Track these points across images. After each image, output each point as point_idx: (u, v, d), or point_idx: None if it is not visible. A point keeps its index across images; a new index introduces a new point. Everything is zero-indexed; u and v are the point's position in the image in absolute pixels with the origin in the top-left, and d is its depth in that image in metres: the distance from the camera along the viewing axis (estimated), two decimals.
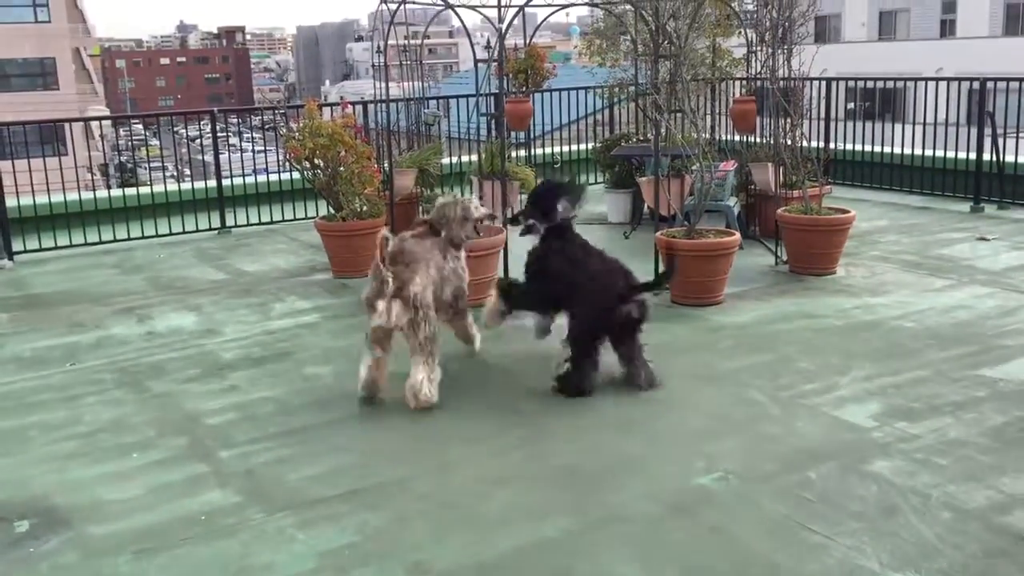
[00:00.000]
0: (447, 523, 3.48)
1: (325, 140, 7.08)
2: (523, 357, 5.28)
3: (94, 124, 25.25)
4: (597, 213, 9.41)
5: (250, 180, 9.68)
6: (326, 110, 9.15)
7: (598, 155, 9.37)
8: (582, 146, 11.26)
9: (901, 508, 3.37)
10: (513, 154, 8.89)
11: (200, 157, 15.94)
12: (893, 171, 10.05)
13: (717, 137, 8.45)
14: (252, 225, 9.26)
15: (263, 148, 14.55)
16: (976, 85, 9.14)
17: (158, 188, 9.72)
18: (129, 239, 8.74)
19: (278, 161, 9.68)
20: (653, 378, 4.72)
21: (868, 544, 3.14)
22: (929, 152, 9.81)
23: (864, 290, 6.39)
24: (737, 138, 8.39)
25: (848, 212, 6.91)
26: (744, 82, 8.53)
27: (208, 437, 4.37)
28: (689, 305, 6.08)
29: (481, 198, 6.57)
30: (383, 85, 7.67)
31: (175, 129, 18.27)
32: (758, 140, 8.07)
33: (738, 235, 6.20)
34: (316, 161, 7.26)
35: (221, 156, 9.42)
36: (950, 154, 9.60)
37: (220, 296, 6.86)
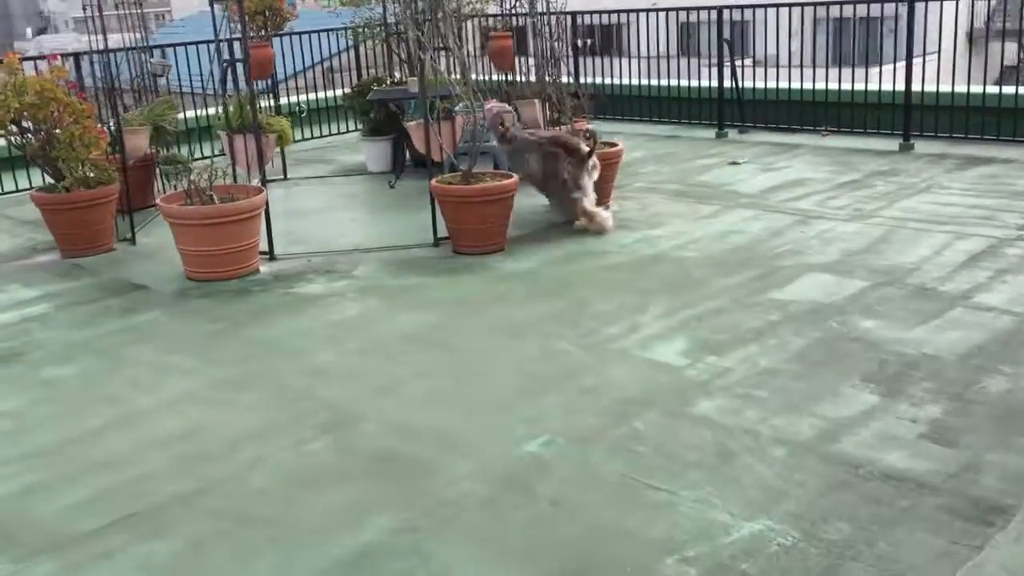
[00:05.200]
0: (252, 542, 2.95)
1: (33, 99, 6.02)
2: (303, 330, 4.75)
3: None
4: (355, 163, 8.87)
5: None
6: (30, 65, 7.92)
7: (351, 101, 8.77)
8: (329, 93, 10.59)
9: (736, 450, 3.26)
10: (261, 104, 8.12)
11: None
12: (636, 102, 10.23)
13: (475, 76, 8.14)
14: None
15: None
16: (714, 15, 9.42)
17: None
18: None
19: None
20: None
21: (714, 494, 2.99)
22: (675, 82, 10.08)
23: (640, 223, 6.37)
24: (495, 77, 8.13)
25: (616, 145, 6.86)
26: (500, 18, 8.25)
27: None
28: (472, 254, 5.78)
29: (233, 156, 5.86)
30: (96, 36, 6.68)
31: None
32: (520, 78, 7.85)
33: (516, 178, 5.94)
34: (24, 124, 6.19)
35: None
36: (695, 83, 9.91)
37: None
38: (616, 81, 10.43)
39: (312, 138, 10.17)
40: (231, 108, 5.82)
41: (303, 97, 10.48)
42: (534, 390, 3.90)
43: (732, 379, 3.84)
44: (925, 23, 8.10)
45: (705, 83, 9.82)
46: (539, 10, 7.05)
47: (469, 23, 8.67)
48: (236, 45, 6.92)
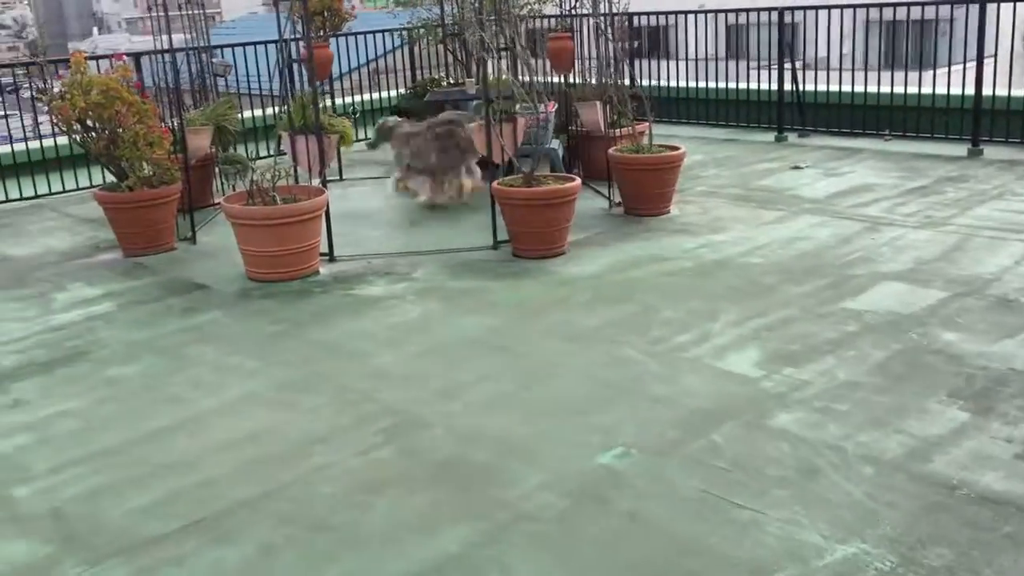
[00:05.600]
0: (323, 550, 2.90)
1: (99, 97, 6.06)
2: (364, 332, 4.70)
3: None
4: None
5: (4, 149, 8.32)
6: (94, 64, 8.00)
7: (407, 102, 8.74)
8: (384, 94, 10.58)
9: (821, 467, 3.13)
10: (325, 104, 8.13)
11: None
12: (692, 105, 10.08)
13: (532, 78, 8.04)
14: (11, 201, 7.97)
15: (16, 112, 12.68)
16: (775, 16, 9.24)
17: None
18: None
19: (36, 125, 8.36)
20: None
21: (802, 514, 2.87)
22: (732, 85, 9.91)
23: (703, 228, 6.24)
24: (554, 78, 8.03)
25: (679, 148, 6.73)
26: (558, 18, 8.15)
27: None
28: (532, 258, 5.69)
29: (295, 157, 5.84)
30: (157, 36, 6.73)
31: None
32: (577, 79, 7.76)
33: (579, 180, 5.84)
34: (90, 123, 6.23)
35: None
36: (753, 86, 9.73)
37: None
38: (669, 83, 10.29)
39: (366, 139, 10.15)
40: (293, 108, 5.79)
41: (357, 98, 10.48)
42: (603, 398, 3.80)
43: (810, 392, 3.71)
44: (997, 25, 7.87)
45: (763, 86, 9.63)
46: (602, 11, 6.93)
47: (526, 25, 8.60)
48: (295, 46, 6.92)
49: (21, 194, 8.02)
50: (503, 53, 5.93)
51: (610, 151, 6.66)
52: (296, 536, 2.98)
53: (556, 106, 7.55)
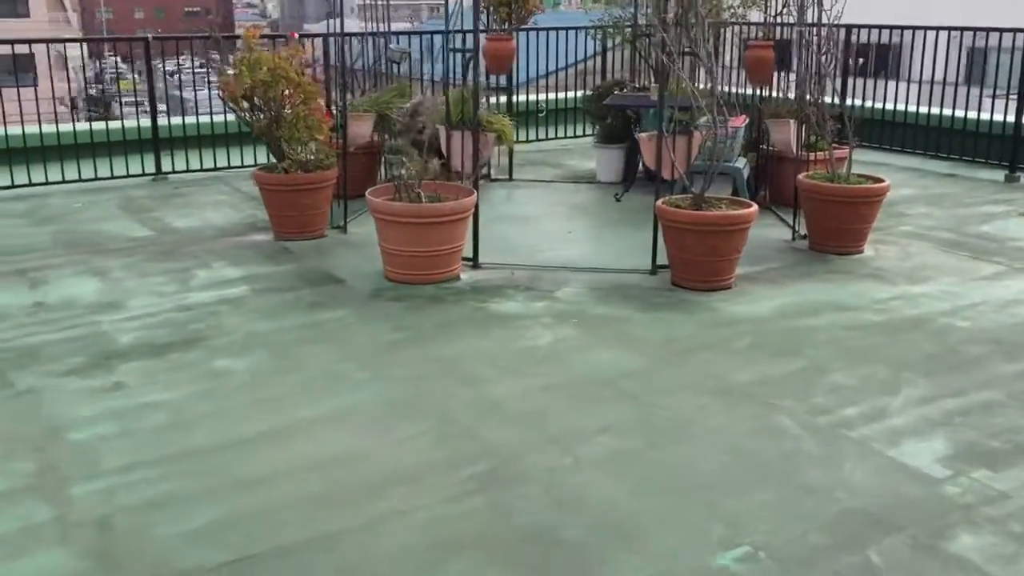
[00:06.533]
0: None
1: (266, 76, 5.93)
2: (486, 353, 4.23)
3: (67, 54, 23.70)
4: (585, 170, 8.34)
5: (190, 120, 8.51)
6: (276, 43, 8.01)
7: (589, 104, 8.24)
8: (569, 94, 10.12)
9: None
10: (491, 100, 7.77)
11: (178, 93, 14.63)
12: (909, 132, 8.98)
13: (724, 88, 7.33)
14: (192, 171, 8.12)
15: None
16: (1019, 40, 8.03)
17: (82, 127, 8.51)
18: (47, 183, 7.58)
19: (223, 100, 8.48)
20: None
21: None
22: (960, 113, 8.73)
23: (900, 275, 5.37)
24: (748, 91, 7.29)
25: (882, 180, 5.86)
26: (761, 26, 7.39)
27: (65, 461, 3.32)
28: (693, 289, 5.05)
29: (449, 152, 5.47)
30: (362, 23, 6.59)
31: (154, 63, 16.89)
32: (774, 93, 6.99)
33: (755, 207, 5.14)
34: (256, 101, 6.12)
35: (194, 92, 8.31)
36: (984, 116, 8.53)
37: (135, 258, 5.76)
38: (884, 106, 9.21)
39: (547, 139, 9.76)
40: (452, 101, 5.41)
41: (542, 96, 10.09)
42: (739, 475, 3.16)
43: (1009, 508, 2.91)
44: None
45: (996, 116, 8.40)
46: (809, 20, 6.14)
47: (728, 32, 7.88)
48: (471, 36, 6.57)
49: (202, 165, 8.16)
50: (686, 58, 5.30)
51: (799, 177, 5.88)
52: None
53: (747, 120, 6.83)
